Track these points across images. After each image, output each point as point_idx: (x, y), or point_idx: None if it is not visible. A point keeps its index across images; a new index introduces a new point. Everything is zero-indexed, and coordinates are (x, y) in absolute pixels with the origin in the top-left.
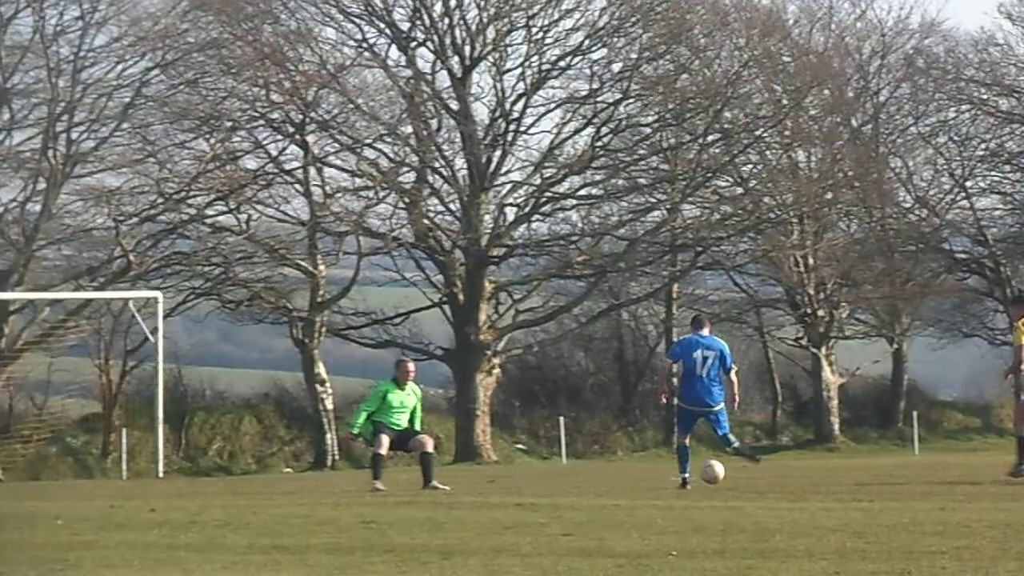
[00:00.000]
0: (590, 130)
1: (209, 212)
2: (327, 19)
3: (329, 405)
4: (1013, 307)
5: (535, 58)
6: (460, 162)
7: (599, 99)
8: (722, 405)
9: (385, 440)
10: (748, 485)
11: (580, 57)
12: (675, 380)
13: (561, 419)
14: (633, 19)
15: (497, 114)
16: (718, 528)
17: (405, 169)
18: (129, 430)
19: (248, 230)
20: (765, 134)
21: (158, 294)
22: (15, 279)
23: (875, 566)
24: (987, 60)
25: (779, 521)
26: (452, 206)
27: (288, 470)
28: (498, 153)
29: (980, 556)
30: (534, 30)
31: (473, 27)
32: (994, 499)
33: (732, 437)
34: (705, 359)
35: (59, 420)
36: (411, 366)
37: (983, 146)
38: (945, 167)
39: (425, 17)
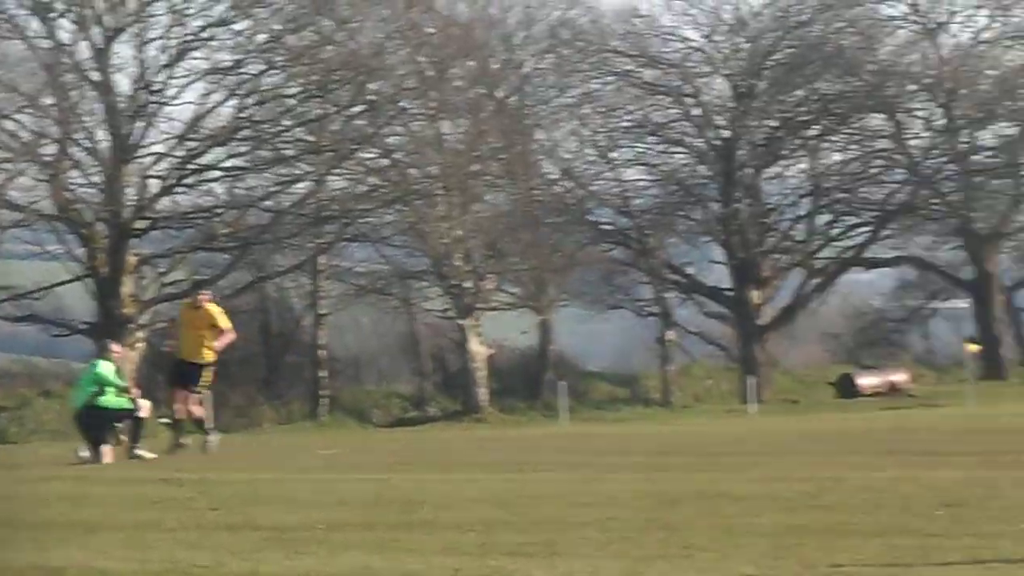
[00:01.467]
0: (234, 101)
1: None
2: None
3: None
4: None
5: (177, 28)
6: (102, 134)
7: (243, 71)
8: None
9: None
10: (397, 458)
11: (223, 28)
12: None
13: (208, 392)
14: None
15: (139, 85)
16: (365, 501)
17: (46, 141)
18: None
19: None
20: (410, 106)
21: None
22: None
23: (522, 537)
24: (632, 31)
25: (426, 493)
26: (95, 178)
27: None
28: (141, 125)
29: (627, 527)
30: (176, 1)
31: None
32: (641, 470)
33: None
34: None
35: None
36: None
37: (628, 117)
38: (590, 138)
39: None
